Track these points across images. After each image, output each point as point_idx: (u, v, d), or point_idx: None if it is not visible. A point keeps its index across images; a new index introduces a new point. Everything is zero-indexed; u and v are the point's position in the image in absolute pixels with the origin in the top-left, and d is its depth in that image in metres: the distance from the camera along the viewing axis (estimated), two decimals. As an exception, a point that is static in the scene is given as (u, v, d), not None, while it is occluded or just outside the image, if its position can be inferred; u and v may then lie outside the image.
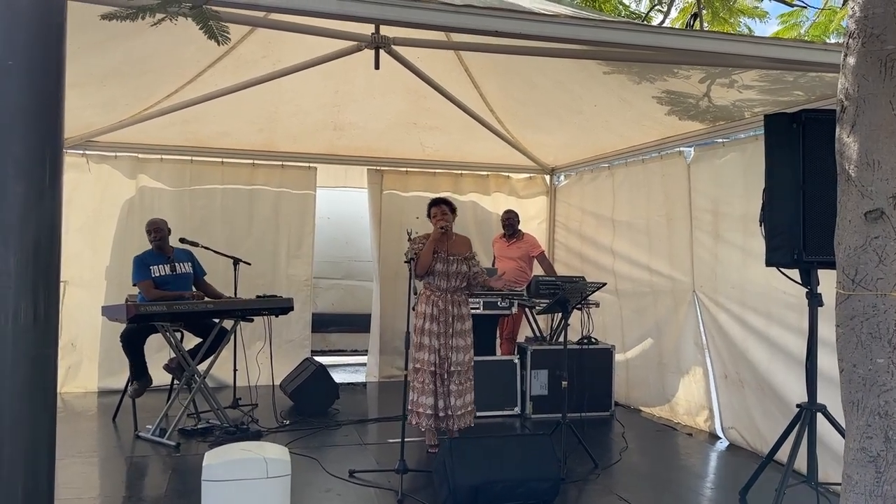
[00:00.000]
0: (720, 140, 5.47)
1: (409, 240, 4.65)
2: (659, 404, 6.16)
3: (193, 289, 5.49)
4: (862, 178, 2.11)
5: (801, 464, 3.67)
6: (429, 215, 4.90)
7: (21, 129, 1.67)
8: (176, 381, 5.45)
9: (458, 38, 4.54)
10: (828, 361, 3.71)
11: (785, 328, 4.72)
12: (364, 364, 7.71)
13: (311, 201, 7.21)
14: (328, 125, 6.59)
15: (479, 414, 5.03)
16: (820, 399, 3.67)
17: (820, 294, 3.66)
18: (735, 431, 5.27)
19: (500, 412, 5.90)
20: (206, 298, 5.40)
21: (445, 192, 7.21)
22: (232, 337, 5.47)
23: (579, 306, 5.39)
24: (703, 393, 5.67)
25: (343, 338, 9.01)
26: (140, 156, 6.70)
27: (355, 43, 4.37)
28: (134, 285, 5.39)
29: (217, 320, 5.36)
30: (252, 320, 5.49)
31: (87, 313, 6.17)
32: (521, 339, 6.72)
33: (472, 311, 5.06)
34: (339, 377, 6.69)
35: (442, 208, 4.85)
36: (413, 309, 4.74)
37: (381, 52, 4.36)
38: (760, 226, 3.71)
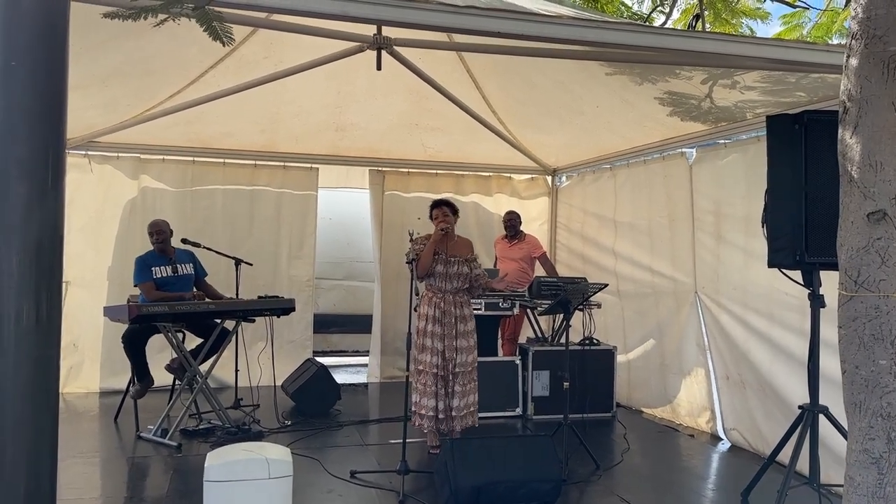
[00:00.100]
0: (722, 141, 5.47)
1: (411, 240, 4.66)
2: (661, 405, 6.15)
3: (195, 290, 5.49)
4: (864, 179, 2.11)
5: (802, 465, 3.66)
6: (431, 217, 4.90)
7: (24, 129, 1.67)
8: (178, 382, 5.46)
9: (459, 38, 4.54)
10: (830, 363, 3.71)
11: (787, 329, 4.71)
12: (365, 365, 7.71)
13: (312, 202, 7.22)
14: (330, 126, 6.60)
15: (480, 415, 5.03)
16: (822, 400, 3.66)
17: (822, 295, 3.65)
18: (737, 433, 5.27)
19: (501, 413, 5.90)
20: (207, 299, 5.40)
21: (447, 193, 7.21)
22: (234, 337, 5.47)
23: (581, 307, 5.38)
24: (705, 394, 5.66)
25: (344, 338, 9.01)
26: (142, 156, 6.71)
27: (357, 44, 4.37)
28: (135, 286, 5.39)
29: (219, 321, 5.36)
30: (254, 321, 5.50)
31: (89, 314, 6.18)
32: (522, 339, 6.72)
33: (474, 311, 5.06)
34: (340, 378, 6.68)
35: (443, 210, 4.85)
36: (415, 310, 4.74)
37: (383, 52, 4.36)
38: (762, 227, 3.70)
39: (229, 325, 5.39)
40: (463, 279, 4.84)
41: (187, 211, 6.77)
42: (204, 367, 5.35)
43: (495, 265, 6.87)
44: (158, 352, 5.70)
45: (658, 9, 9.69)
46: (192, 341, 5.53)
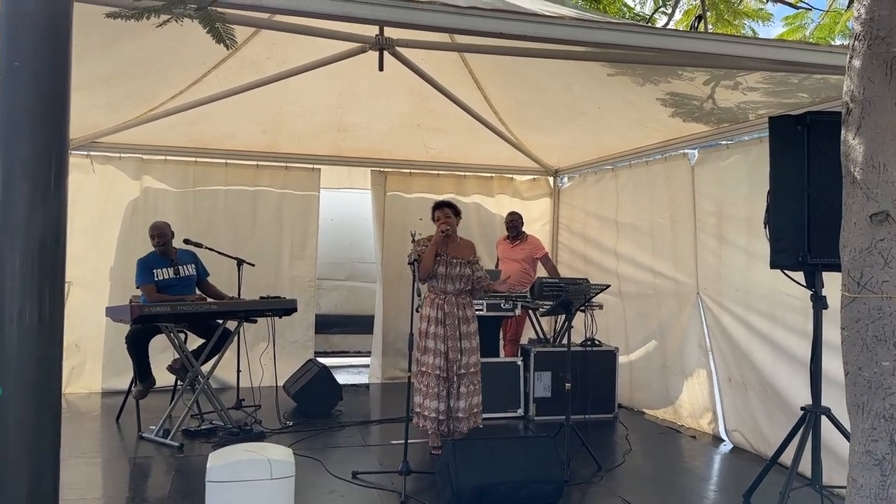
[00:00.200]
0: (724, 142, 5.46)
1: (413, 241, 4.66)
2: (662, 406, 6.14)
3: (197, 290, 5.49)
4: (867, 180, 2.11)
5: (805, 467, 3.65)
6: (433, 218, 4.90)
7: (27, 130, 1.68)
8: (179, 382, 5.46)
9: (461, 39, 4.55)
10: (832, 364, 3.71)
11: (789, 331, 4.71)
12: (367, 365, 7.71)
13: (314, 203, 7.22)
14: (332, 126, 6.60)
15: (482, 415, 5.02)
16: (824, 402, 3.65)
17: (824, 296, 3.64)
18: (739, 434, 5.26)
19: (503, 414, 5.89)
20: (209, 300, 5.41)
21: (449, 194, 7.21)
22: (235, 338, 5.48)
23: (583, 308, 5.38)
24: (707, 395, 5.65)
25: (346, 339, 9.02)
26: (144, 157, 6.72)
27: (359, 45, 4.38)
28: (137, 288, 5.40)
29: (221, 321, 5.36)
30: (256, 321, 5.50)
31: (92, 314, 6.18)
32: (524, 340, 6.71)
33: (476, 312, 5.06)
34: (342, 378, 6.69)
35: (445, 211, 4.85)
36: (417, 311, 4.74)
37: (385, 53, 4.37)
38: (765, 228, 3.70)
39: (231, 325, 5.39)
40: (465, 281, 4.84)
41: (189, 211, 6.78)
42: (206, 368, 5.36)
43: (497, 266, 6.87)
44: (160, 352, 5.70)
45: (660, 10, 9.68)
46: (194, 342, 5.53)
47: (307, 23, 3.58)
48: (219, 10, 2.40)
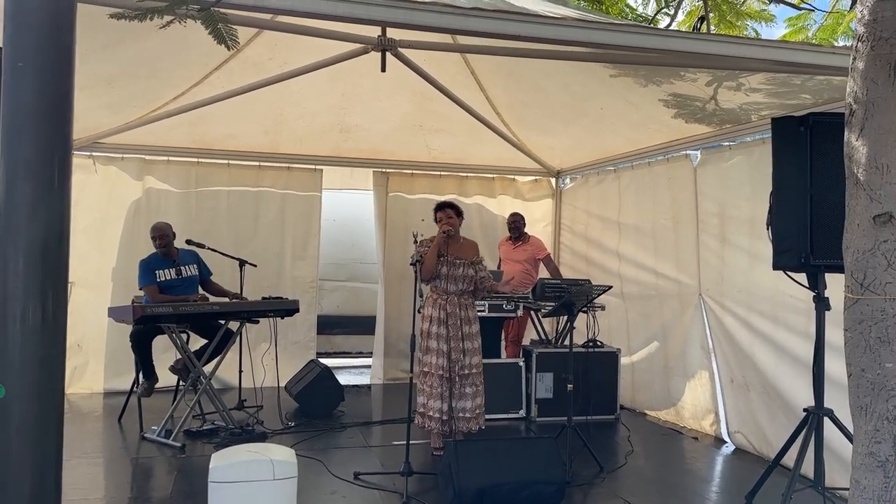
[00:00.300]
0: (727, 143, 5.46)
1: (415, 242, 4.66)
2: (665, 408, 6.14)
3: (200, 289, 5.50)
4: (871, 181, 2.10)
5: (807, 468, 3.65)
6: (435, 219, 4.90)
7: (31, 130, 1.67)
8: (182, 383, 5.47)
9: (464, 40, 4.55)
10: (835, 366, 3.70)
11: (792, 332, 4.70)
12: (369, 366, 7.71)
13: (316, 203, 7.23)
14: (334, 127, 6.61)
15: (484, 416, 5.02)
16: (827, 403, 3.65)
17: (827, 298, 3.64)
18: (741, 436, 5.25)
19: (504, 415, 5.89)
20: (213, 299, 5.41)
21: (451, 195, 7.21)
22: (237, 338, 5.48)
23: (585, 309, 5.38)
24: (709, 397, 5.65)
25: (348, 340, 9.02)
26: (147, 157, 6.73)
27: (362, 45, 4.38)
28: (140, 289, 5.41)
29: (223, 322, 5.37)
30: (258, 322, 5.51)
31: (94, 314, 6.19)
32: (526, 341, 6.71)
33: (478, 313, 5.06)
34: (343, 379, 6.69)
35: (447, 212, 4.85)
36: (419, 311, 4.74)
37: (388, 54, 4.37)
38: (767, 229, 3.69)
39: (233, 325, 5.40)
40: (468, 281, 4.84)
41: (192, 212, 6.79)
42: (208, 368, 5.36)
43: (499, 267, 6.86)
44: (163, 352, 5.71)
45: (663, 11, 9.67)
46: (197, 342, 5.54)
47: (309, 23, 3.59)
48: (221, 10, 2.40)
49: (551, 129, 6.63)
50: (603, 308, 6.09)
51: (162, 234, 5.43)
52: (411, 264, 4.55)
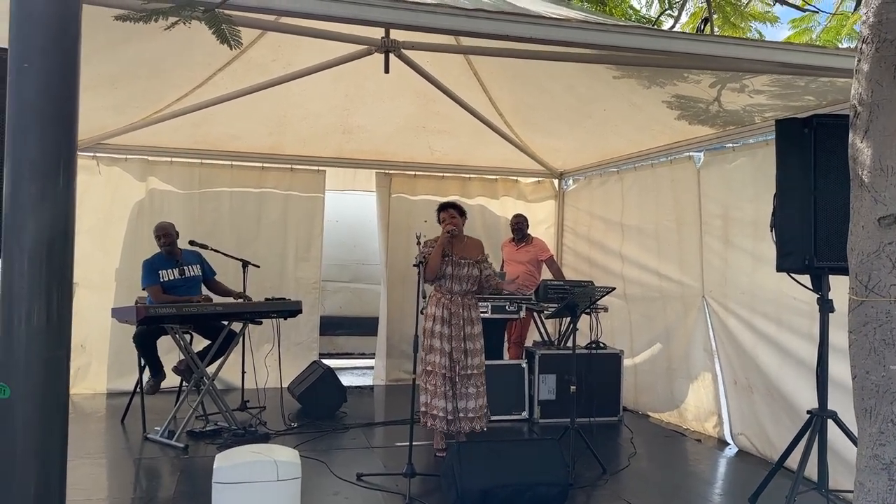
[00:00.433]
0: (730, 145, 5.45)
1: (418, 243, 4.66)
2: (668, 410, 6.13)
3: (204, 289, 5.50)
4: (875, 183, 2.10)
5: (811, 471, 3.64)
6: (438, 220, 4.90)
7: (36, 131, 1.68)
8: (185, 383, 5.47)
9: (467, 41, 4.55)
10: (838, 368, 3.69)
11: (795, 334, 4.69)
12: (371, 367, 7.71)
13: (319, 204, 7.23)
14: (337, 128, 6.61)
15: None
16: (830, 405, 3.64)
17: (831, 300, 3.63)
18: (744, 438, 5.24)
19: (507, 416, 5.89)
20: (217, 299, 5.42)
21: (453, 196, 7.20)
22: (241, 339, 5.48)
23: (588, 311, 5.37)
24: (713, 399, 5.64)
25: (350, 341, 9.02)
26: (150, 158, 6.74)
27: (365, 47, 4.38)
28: (143, 289, 5.41)
29: (226, 323, 5.37)
30: (261, 323, 5.51)
31: (97, 315, 6.19)
32: (528, 343, 6.71)
33: (481, 314, 5.06)
34: (346, 380, 6.69)
35: (450, 212, 4.85)
36: (422, 312, 4.74)
37: (391, 55, 4.37)
38: (771, 231, 3.69)
39: (236, 326, 5.40)
40: (472, 281, 4.84)
41: (195, 213, 6.80)
42: (211, 369, 5.36)
43: (502, 268, 6.86)
44: (166, 353, 5.71)
45: (666, 12, 9.67)
46: (200, 343, 5.54)
47: (313, 25, 3.59)
48: (226, 12, 2.41)
49: (555, 131, 6.63)
50: (606, 310, 6.08)
51: (166, 233, 5.45)
52: (415, 265, 4.55)
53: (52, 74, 1.70)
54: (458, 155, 7.39)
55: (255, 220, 7.03)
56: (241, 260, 5.93)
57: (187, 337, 5.39)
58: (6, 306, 1.68)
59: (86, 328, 6.35)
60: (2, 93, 1.81)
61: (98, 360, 6.52)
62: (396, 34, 4.22)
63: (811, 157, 3.52)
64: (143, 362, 5.35)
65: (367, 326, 8.23)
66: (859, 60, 2.18)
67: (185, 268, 5.49)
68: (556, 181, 8.03)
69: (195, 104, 5.58)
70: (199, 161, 6.87)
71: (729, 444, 5.43)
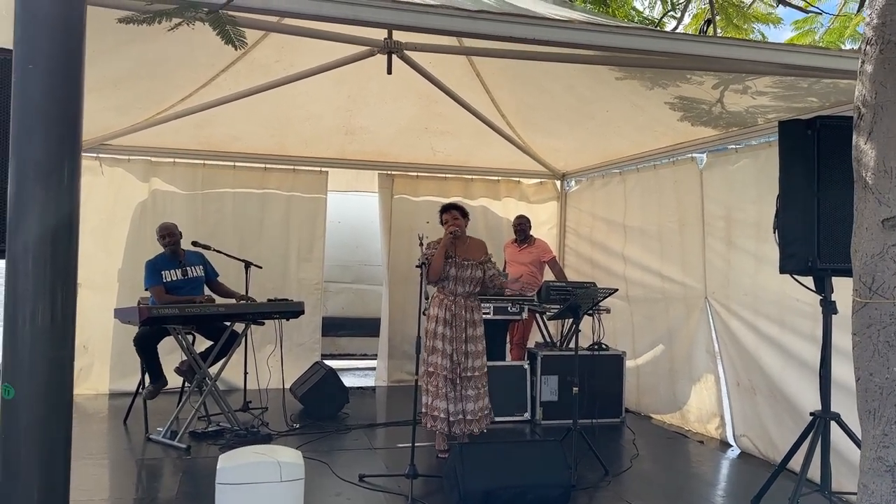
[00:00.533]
0: (733, 146, 5.45)
1: (420, 244, 4.66)
2: (670, 411, 6.12)
3: (206, 290, 5.50)
4: (879, 185, 2.10)
5: (814, 473, 3.64)
6: (441, 221, 4.90)
7: (41, 132, 1.68)
8: (187, 384, 5.48)
9: (470, 43, 4.55)
10: (841, 369, 3.69)
11: (798, 336, 4.69)
12: (374, 368, 7.72)
13: (322, 205, 7.23)
14: (340, 130, 6.62)
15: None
16: (833, 407, 3.64)
17: (834, 302, 3.63)
18: (747, 439, 5.24)
19: (510, 418, 5.88)
20: (220, 300, 5.42)
21: (456, 197, 7.21)
22: (243, 340, 5.49)
23: (590, 312, 5.37)
24: (715, 400, 5.64)
25: (352, 342, 9.02)
26: (153, 159, 6.75)
27: (368, 48, 4.38)
28: (146, 290, 5.42)
29: (228, 323, 5.38)
30: (263, 323, 5.52)
31: (100, 315, 6.19)
32: (531, 344, 6.71)
33: (483, 316, 5.06)
34: (348, 381, 6.69)
35: (453, 213, 4.85)
36: (424, 313, 4.74)
37: (394, 57, 4.37)
38: (774, 233, 3.69)
39: (239, 327, 5.41)
40: (475, 283, 4.84)
41: (198, 214, 6.80)
42: (213, 370, 5.37)
43: (504, 269, 6.86)
44: (168, 353, 5.72)
45: (669, 13, 9.66)
46: (202, 343, 5.55)
47: (316, 26, 3.59)
48: (230, 13, 2.41)
49: (557, 132, 6.63)
50: (608, 311, 6.08)
51: (170, 233, 5.47)
52: (417, 266, 4.55)
53: (56, 76, 1.70)
54: (461, 156, 7.39)
55: (257, 221, 7.04)
56: (243, 261, 5.94)
57: (190, 338, 5.39)
58: (11, 306, 1.68)
59: (88, 329, 6.36)
60: (7, 94, 1.82)
61: (101, 361, 6.53)
62: (399, 35, 4.22)
63: (814, 159, 3.51)
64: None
65: (369, 327, 8.23)
66: (863, 62, 2.18)
67: (188, 269, 5.50)
68: (558, 182, 8.03)
69: (198, 105, 5.59)
70: (201, 162, 6.88)
71: (731, 445, 5.42)
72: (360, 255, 8.90)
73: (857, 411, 2.19)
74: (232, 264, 5.97)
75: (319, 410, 5.91)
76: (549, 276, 6.81)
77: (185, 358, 5.36)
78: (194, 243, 5.67)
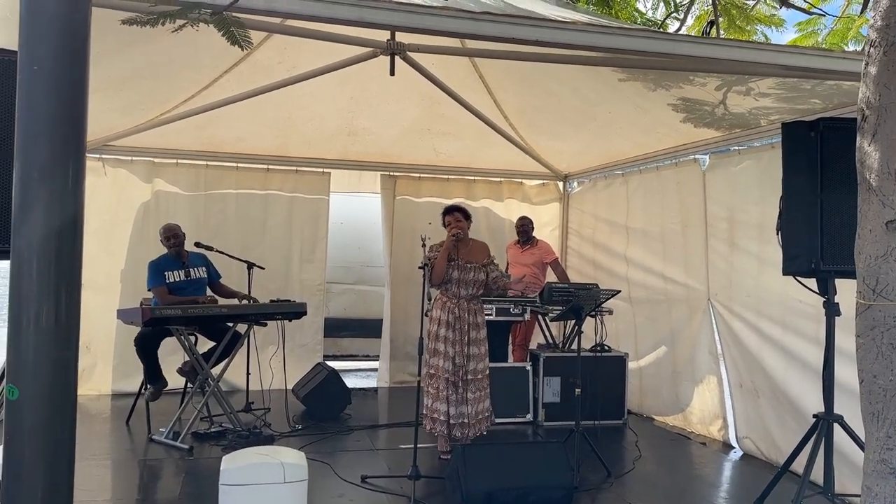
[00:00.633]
0: (735, 148, 5.45)
1: (423, 246, 4.66)
2: (672, 413, 6.12)
3: (209, 291, 5.51)
4: (883, 187, 2.09)
5: (817, 475, 3.63)
6: (443, 223, 4.90)
7: (46, 133, 1.68)
8: (189, 385, 5.48)
9: (472, 44, 4.55)
10: (845, 371, 3.69)
11: (801, 337, 4.68)
12: (376, 369, 7.72)
13: (324, 206, 7.24)
14: (342, 131, 6.62)
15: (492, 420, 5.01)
16: (836, 409, 3.63)
17: (837, 303, 3.63)
18: (750, 441, 5.23)
19: (512, 419, 5.88)
20: (222, 301, 5.42)
21: (458, 199, 7.21)
22: (245, 341, 5.49)
23: (593, 313, 5.37)
24: (718, 402, 5.63)
25: (355, 343, 9.02)
26: (156, 160, 6.76)
27: (371, 49, 4.39)
28: (149, 290, 5.42)
29: (231, 324, 5.38)
30: (266, 324, 5.52)
31: (102, 316, 6.20)
32: (533, 346, 6.70)
33: (486, 317, 5.06)
34: (350, 382, 6.69)
35: (455, 216, 4.85)
36: (426, 314, 4.74)
37: (397, 58, 4.37)
38: (777, 234, 3.68)
39: (241, 328, 5.41)
40: (478, 285, 4.84)
41: (200, 215, 6.81)
42: (216, 371, 5.37)
43: (507, 270, 6.86)
44: (171, 354, 5.73)
45: (672, 15, 9.65)
46: (205, 344, 5.55)
47: (319, 27, 3.59)
48: (234, 14, 2.42)
49: (560, 134, 6.63)
50: (611, 312, 6.08)
51: (174, 234, 5.48)
52: (420, 267, 4.55)
53: (61, 77, 1.70)
54: (463, 157, 7.40)
55: (260, 222, 7.05)
56: (245, 262, 5.95)
57: (192, 338, 5.40)
58: (15, 307, 1.68)
59: (91, 329, 6.36)
60: (11, 95, 1.82)
61: (103, 362, 6.54)
62: (402, 37, 4.23)
63: (817, 161, 3.51)
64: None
65: (371, 328, 8.23)
66: (867, 64, 2.18)
67: (191, 270, 5.51)
68: (560, 183, 8.03)
69: (201, 106, 5.60)
70: (204, 163, 6.89)
71: (734, 447, 5.42)
72: (363, 256, 8.91)
73: (860, 413, 2.19)
74: (234, 265, 5.97)
75: (321, 411, 5.92)
76: (551, 277, 6.81)
77: (187, 359, 5.37)
78: (197, 244, 5.68)
